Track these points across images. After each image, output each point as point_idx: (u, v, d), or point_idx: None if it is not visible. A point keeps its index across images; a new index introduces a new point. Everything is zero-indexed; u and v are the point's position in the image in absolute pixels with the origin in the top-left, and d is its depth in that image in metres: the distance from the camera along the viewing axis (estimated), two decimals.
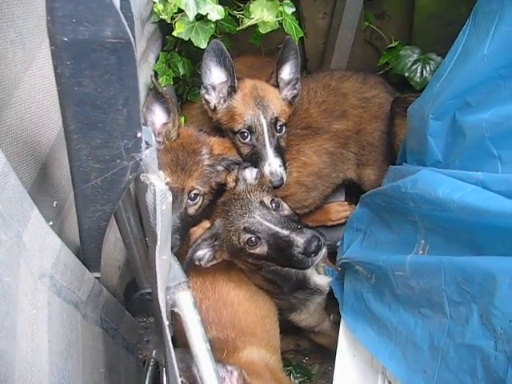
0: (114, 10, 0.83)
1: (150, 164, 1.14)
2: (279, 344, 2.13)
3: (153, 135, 1.16)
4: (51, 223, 1.23)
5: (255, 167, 2.05)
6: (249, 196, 1.88)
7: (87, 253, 1.46)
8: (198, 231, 1.95)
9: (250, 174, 2.02)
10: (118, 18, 0.85)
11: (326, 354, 2.47)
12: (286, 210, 1.90)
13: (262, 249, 1.82)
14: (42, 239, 1.22)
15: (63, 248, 1.31)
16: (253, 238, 1.81)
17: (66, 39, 0.86)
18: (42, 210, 1.22)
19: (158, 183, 1.15)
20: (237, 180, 1.98)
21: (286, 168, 2.11)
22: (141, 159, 1.10)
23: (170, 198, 1.17)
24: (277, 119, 2.11)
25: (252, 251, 1.83)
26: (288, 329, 2.36)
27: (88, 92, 0.96)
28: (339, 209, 2.62)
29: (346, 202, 2.66)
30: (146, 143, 1.11)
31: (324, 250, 1.76)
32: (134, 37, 0.97)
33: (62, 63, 0.90)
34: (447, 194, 1.27)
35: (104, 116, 1.01)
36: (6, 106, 1.22)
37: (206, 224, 1.97)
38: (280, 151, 2.11)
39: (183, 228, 2.02)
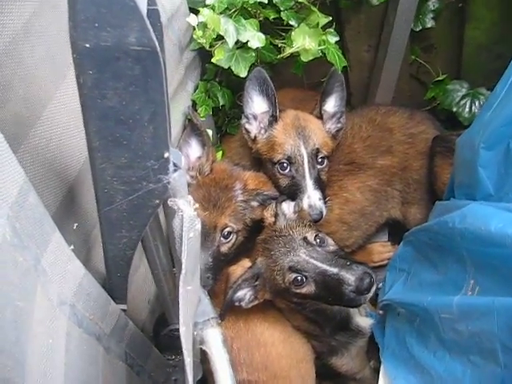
0: (138, 14, 0.79)
1: (178, 188, 1.07)
2: None
3: (183, 158, 1.10)
4: (72, 247, 1.16)
5: (293, 200, 1.97)
6: (291, 232, 1.78)
7: (113, 283, 1.39)
8: (237, 270, 1.87)
9: (287, 207, 1.94)
10: (142, 23, 0.80)
11: None
12: (331, 245, 1.80)
13: (309, 288, 1.73)
14: (64, 265, 1.15)
15: (87, 276, 1.25)
16: (299, 278, 1.71)
17: (88, 45, 0.82)
18: (66, 235, 1.18)
19: (187, 209, 1.09)
20: (276, 215, 1.90)
21: (325, 202, 2.03)
22: (168, 182, 1.05)
23: (199, 226, 1.11)
24: (318, 151, 2.04)
25: (298, 291, 1.74)
26: (325, 374, 2.21)
27: (112, 105, 0.91)
28: (382, 249, 2.49)
29: (389, 243, 2.52)
30: (175, 165, 1.05)
31: (375, 286, 1.65)
32: (162, 48, 0.92)
33: (84, 72, 0.86)
34: (500, 228, 1.15)
35: (129, 133, 0.96)
36: (33, 125, 1.18)
37: (246, 263, 1.88)
38: (320, 184, 2.03)
39: (216, 267, 1.94)
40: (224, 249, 1.97)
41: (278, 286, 1.77)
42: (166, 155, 1.00)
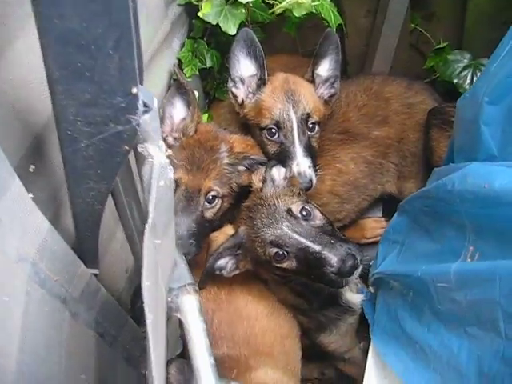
0: None
1: (149, 132, 0.97)
2: (299, 368, 1.91)
3: (155, 100, 0.97)
4: (31, 195, 1.05)
5: (283, 166, 1.85)
6: (276, 202, 1.68)
7: (82, 243, 1.29)
8: (219, 237, 1.78)
9: (277, 173, 1.82)
10: None
11: None
12: (318, 218, 1.69)
13: (290, 263, 1.64)
14: (24, 216, 1.04)
15: (51, 232, 1.14)
16: (280, 252, 1.62)
17: None
18: (29, 187, 1.07)
19: (157, 154, 0.97)
20: (264, 181, 1.78)
21: (316, 170, 1.92)
22: (138, 124, 0.93)
23: (171, 174, 1.00)
24: (308, 116, 1.93)
25: (279, 265, 1.65)
26: (312, 355, 2.12)
27: (71, 27, 0.80)
28: (375, 225, 2.39)
29: (382, 219, 2.43)
30: (145, 105, 0.94)
31: (360, 269, 1.56)
32: None
33: None
34: (505, 184, 1.04)
35: (92, 62, 0.84)
36: None
37: (229, 230, 1.79)
38: (311, 151, 1.92)
39: (199, 233, 1.84)
40: (208, 214, 1.87)
41: (260, 258, 1.69)
42: (134, 91, 0.89)
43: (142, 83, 0.96)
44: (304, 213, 1.66)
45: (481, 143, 1.28)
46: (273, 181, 1.78)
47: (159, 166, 0.96)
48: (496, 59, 1.32)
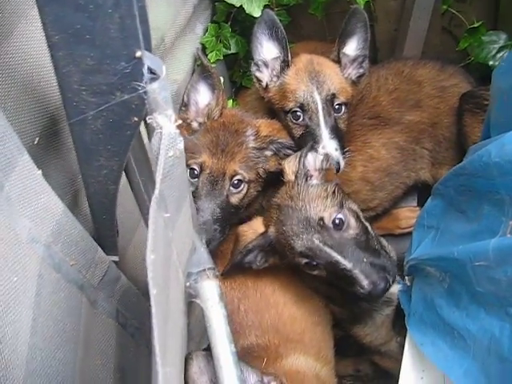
0: None
1: (158, 102, 0.91)
2: (332, 356, 1.84)
3: (164, 67, 0.92)
4: (40, 171, 1.01)
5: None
6: (308, 207, 1.59)
7: (99, 228, 1.25)
8: (248, 233, 1.72)
9: (313, 160, 1.74)
10: None
11: (391, 382, 2.13)
12: (352, 228, 1.60)
13: (320, 272, 1.61)
14: (36, 196, 1.01)
15: (66, 215, 1.10)
16: (310, 263, 1.58)
17: None
18: (46, 170, 1.04)
19: (166, 124, 0.92)
20: (297, 174, 1.69)
21: (344, 153, 1.85)
22: (145, 92, 0.88)
23: (181, 145, 0.95)
24: (334, 96, 1.86)
25: (309, 272, 1.62)
26: (347, 349, 2.05)
27: None
28: (410, 215, 2.29)
29: (417, 208, 2.32)
30: (152, 72, 0.88)
31: (393, 285, 1.56)
32: None
33: None
34: None
35: (91, 23, 0.80)
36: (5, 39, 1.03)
37: (259, 225, 1.73)
38: (337, 133, 1.85)
39: (225, 219, 1.80)
40: (234, 200, 1.83)
41: (290, 260, 1.64)
42: (138, 54, 0.84)
43: (149, 50, 0.91)
44: (337, 222, 1.58)
45: None
46: (306, 175, 1.69)
47: (168, 136, 0.91)
48: None
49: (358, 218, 1.65)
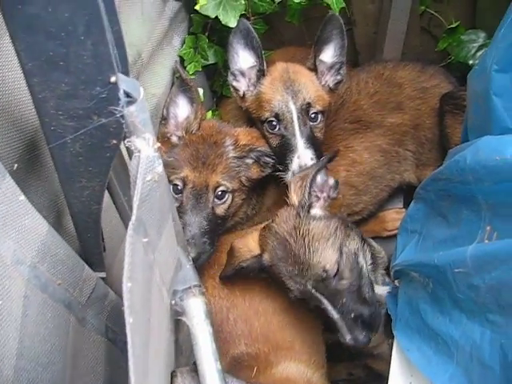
0: None
1: (136, 125, 0.91)
2: (324, 360, 1.85)
3: (141, 89, 0.93)
4: (23, 197, 1.01)
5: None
6: (307, 252, 1.57)
7: (85, 246, 1.25)
8: (243, 251, 1.71)
9: (321, 183, 1.72)
10: None
11: None
12: (346, 277, 1.60)
13: (312, 305, 1.64)
14: (19, 218, 1.01)
15: (51, 234, 1.10)
16: (301, 298, 1.63)
17: None
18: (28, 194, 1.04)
19: (144, 147, 0.92)
20: (300, 203, 1.64)
21: None
22: (122, 116, 0.89)
23: (160, 169, 0.95)
24: (309, 105, 1.86)
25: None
26: (340, 354, 2.05)
27: (36, 13, 0.76)
28: (396, 217, 2.30)
29: (403, 210, 2.33)
30: (128, 96, 0.89)
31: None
32: None
33: None
34: None
35: (64, 50, 0.81)
36: None
37: (253, 244, 1.72)
38: (313, 142, 1.85)
39: (212, 231, 1.80)
40: (220, 211, 1.83)
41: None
42: (113, 79, 0.85)
43: (126, 74, 0.92)
44: (334, 271, 1.58)
45: (493, 116, 1.20)
46: (311, 203, 1.66)
47: (146, 159, 0.91)
48: (503, 25, 1.24)
49: (355, 258, 1.64)
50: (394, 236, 2.22)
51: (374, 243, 1.89)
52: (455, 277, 1.18)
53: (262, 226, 1.74)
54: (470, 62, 2.25)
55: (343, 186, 2.06)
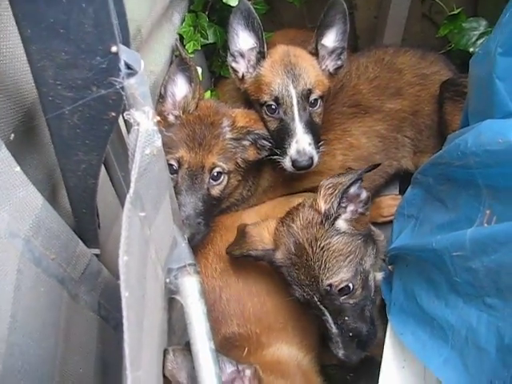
0: None
1: (136, 97, 0.89)
2: (316, 344, 1.85)
3: (142, 62, 0.91)
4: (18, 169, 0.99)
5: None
6: (322, 268, 1.54)
7: (80, 221, 1.24)
8: (255, 240, 1.68)
9: (354, 194, 1.66)
10: None
11: (375, 371, 2.15)
12: (354, 297, 1.60)
13: (310, 310, 1.67)
14: (14, 189, 0.99)
15: (46, 209, 1.09)
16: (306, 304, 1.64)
17: None
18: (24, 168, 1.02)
19: (144, 121, 0.90)
20: (326, 213, 1.58)
21: (318, 147, 1.85)
22: (122, 88, 0.87)
23: (159, 143, 0.93)
24: (310, 91, 1.85)
25: None
26: None
27: None
28: (392, 203, 2.28)
29: (399, 196, 2.31)
30: (129, 67, 0.87)
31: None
32: None
33: None
34: None
35: (64, 17, 0.78)
36: None
37: (267, 235, 1.68)
38: (312, 128, 1.85)
39: (207, 212, 1.80)
40: (215, 192, 1.82)
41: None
42: (114, 49, 0.83)
43: (127, 45, 0.90)
44: (344, 289, 1.57)
45: (496, 100, 1.19)
46: (338, 214, 1.59)
47: (145, 133, 0.89)
48: (508, 9, 1.22)
49: (367, 275, 1.64)
50: (390, 222, 2.22)
51: (373, 227, 1.88)
52: (453, 260, 1.17)
53: (279, 218, 1.70)
54: (471, 49, 2.23)
55: (340, 171, 2.05)
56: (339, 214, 1.59)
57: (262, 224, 1.72)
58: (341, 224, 1.60)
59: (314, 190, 2.02)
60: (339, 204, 1.58)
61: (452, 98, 1.98)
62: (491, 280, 1.07)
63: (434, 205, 1.46)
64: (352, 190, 1.63)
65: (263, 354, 1.59)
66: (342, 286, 1.56)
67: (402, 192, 2.35)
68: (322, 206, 1.59)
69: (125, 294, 0.72)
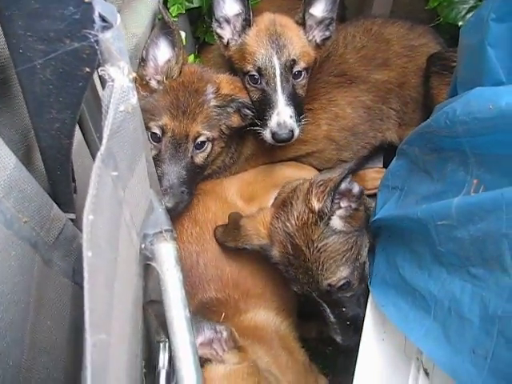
0: None
1: (111, 52, 0.84)
2: (294, 310, 1.87)
3: (118, 15, 0.86)
4: None
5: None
6: (320, 268, 1.55)
7: (54, 184, 1.19)
8: (251, 234, 1.65)
9: (345, 190, 1.61)
10: None
11: None
12: (351, 290, 1.62)
13: (307, 301, 1.72)
14: None
15: (19, 169, 1.04)
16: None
17: None
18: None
19: (119, 76, 0.85)
20: (320, 213, 1.54)
21: (300, 120, 1.81)
22: (97, 41, 0.82)
23: (135, 100, 0.88)
24: (294, 62, 1.80)
25: None
26: (310, 314, 2.05)
27: None
28: (376, 176, 2.25)
29: (383, 169, 2.29)
30: (104, 20, 0.82)
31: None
32: None
33: None
34: None
35: None
36: None
37: (261, 228, 1.65)
38: (294, 100, 1.80)
39: (191, 180, 1.77)
40: (199, 160, 1.79)
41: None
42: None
43: None
44: (341, 286, 1.59)
45: (486, 68, 1.16)
46: (332, 212, 1.56)
47: (120, 89, 0.84)
48: None
49: (364, 267, 1.64)
50: (374, 195, 2.21)
51: (368, 200, 1.89)
52: (438, 230, 1.16)
53: (273, 211, 1.67)
54: (460, 23, 2.18)
55: (325, 140, 2.04)
56: (333, 212, 1.57)
57: (256, 217, 1.69)
58: (336, 222, 1.58)
59: (297, 158, 2.01)
60: (332, 201, 1.55)
61: (439, 72, 1.95)
62: (477, 249, 1.05)
63: (420, 176, 1.44)
64: (343, 185, 1.59)
65: (241, 319, 1.60)
66: (340, 283, 1.57)
67: (386, 165, 2.33)
68: (316, 204, 1.55)
69: (87, 253, 0.67)
